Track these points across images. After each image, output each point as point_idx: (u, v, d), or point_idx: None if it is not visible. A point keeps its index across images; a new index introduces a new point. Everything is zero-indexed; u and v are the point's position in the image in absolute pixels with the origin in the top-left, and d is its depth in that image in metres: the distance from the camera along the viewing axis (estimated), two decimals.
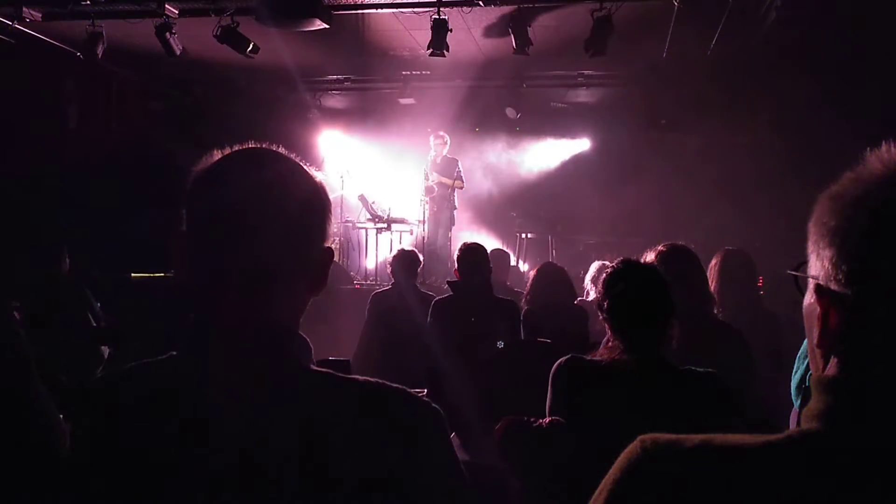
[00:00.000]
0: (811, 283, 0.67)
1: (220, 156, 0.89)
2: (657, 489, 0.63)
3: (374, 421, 0.81)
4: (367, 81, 8.08)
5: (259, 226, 0.84)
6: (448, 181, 7.08)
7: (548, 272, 3.52)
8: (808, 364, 1.80)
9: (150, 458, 0.79)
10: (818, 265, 0.65)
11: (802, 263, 0.69)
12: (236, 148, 0.90)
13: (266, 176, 0.87)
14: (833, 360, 0.65)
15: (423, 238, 7.21)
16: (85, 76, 7.08)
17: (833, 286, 0.63)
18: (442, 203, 7.17)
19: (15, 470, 1.31)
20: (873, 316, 0.60)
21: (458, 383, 2.81)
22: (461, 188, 7.22)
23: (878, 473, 0.58)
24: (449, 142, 7.23)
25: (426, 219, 7.24)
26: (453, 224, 7.33)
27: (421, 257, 4.50)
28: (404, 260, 4.21)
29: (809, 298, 0.68)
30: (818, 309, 0.65)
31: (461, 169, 7.21)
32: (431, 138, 7.23)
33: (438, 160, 7.17)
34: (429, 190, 7.13)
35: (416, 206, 7.37)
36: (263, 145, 0.92)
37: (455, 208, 7.29)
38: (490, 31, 6.21)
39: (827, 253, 0.63)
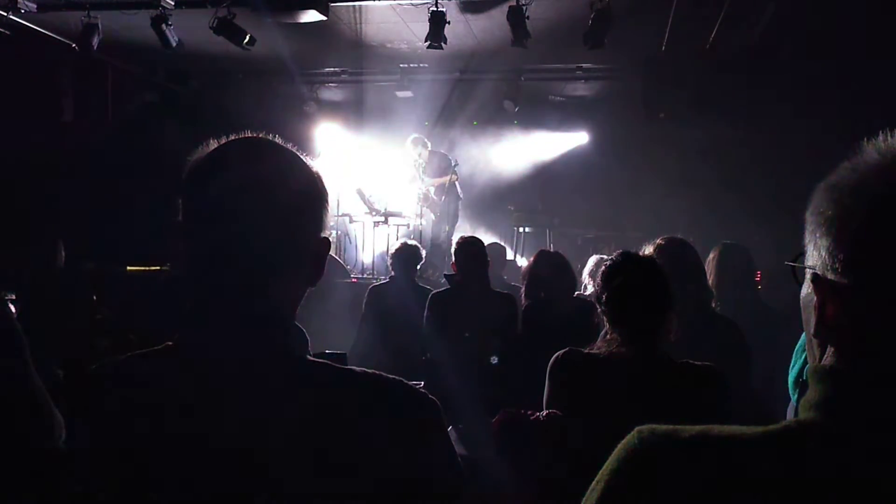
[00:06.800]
0: (808, 274, 0.67)
1: (216, 145, 0.89)
2: (654, 479, 0.63)
3: (373, 412, 0.81)
4: (364, 74, 8.04)
5: (256, 215, 0.83)
6: (444, 179, 7.05)
7: (546, 260, 3.41)
8: (805, 358, 1.81)
9: (148, 452, 0.79)
10: (815, 255, 0.65)
11: (800, 254, 0.69)
12: (233, 137, 0.90)
13: (263, 165, 0.87)
14: (830, 350, 0.65)
15: (421, 232, 7.20)
16: (81, 68, 7.04)
17: (830, 275, 0.63)
18: (446, 197, 7.11)
19: (10, 462, 1.31)
20: (870, 304, 0.60)
21: (455, 376, 2.81)
22: (457, 179, 7.18)
23: (876, 463, 0.58)
24: (427, 142, 7.18)
25: (423, 213, 7.22)
26: (457, 217, 7.28)
27: (423, 253, 4.49)
28: (404, 254, 4.21)
29: (807, 289, 0.68)
30: (815, 298, 0.65)
31: (453, 160, 7.15)
32: (409, 145, 7.08)
33: (425, 161, 7.12)
34: (425, 198, 7.11)
35: (412, 200, 7.35)
36: (260, 135, 0.91)
37: (460, 199, 7.24)
38: (488, 24, 6.18)
39: (824, 242, 0.63)
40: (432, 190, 7.15)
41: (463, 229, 7.10)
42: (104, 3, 5.81)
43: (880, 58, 5.28)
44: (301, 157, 0.91)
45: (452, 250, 3.78)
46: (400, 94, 7.89)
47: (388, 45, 6.99)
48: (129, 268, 6.08)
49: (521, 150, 8.67)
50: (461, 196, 7.25)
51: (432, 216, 7.26)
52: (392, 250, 4.37)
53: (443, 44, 5.69)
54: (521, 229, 7.91)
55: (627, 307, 1.80)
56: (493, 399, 2.45)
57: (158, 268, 6.01)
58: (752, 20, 5.71)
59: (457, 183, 7.15)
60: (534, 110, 8.28)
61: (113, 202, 6.31)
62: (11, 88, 6.16)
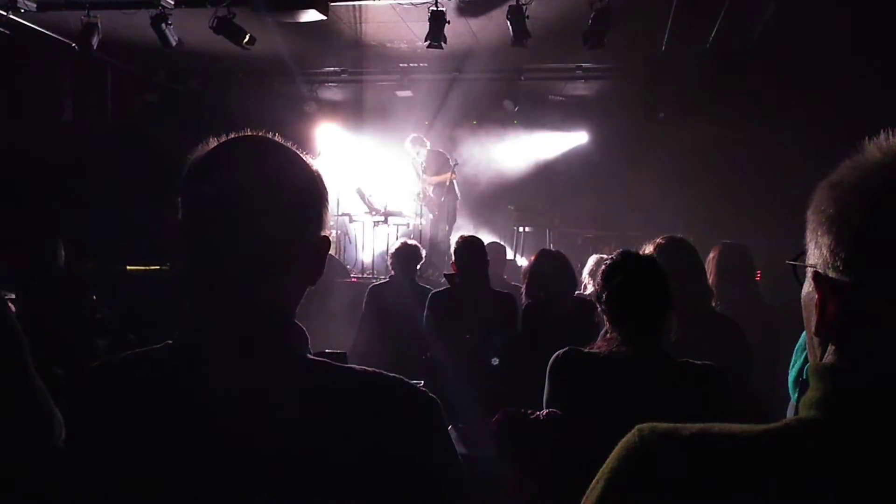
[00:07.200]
0: (809, 272, 0.67)
1: (216, 143, 0.89)
2: (655, 477, 0.63)
3: (373, 410, 0.81)
4: (363, 73, 8.04)
5: (256, 213, 0.83)
6: (444, 177, 7.05)
7: (547, 259, 3.41)
8: (805, 357, 1.81)
9: (148, 450, 0.78)
10: (817, 253, 0.65)
11: (801, 253, 0.69)
12: (233, 135, 0.90)
13: (263, 163, 0.86)
14: (831, 348, 0.65)
15: (421, 231, 7.20)
16: (80, 68, 7.04)
17: (831, 274, 0.63)
18: (445, 197, 7.13)
19: (10, 461, 1.31)
20: (872, 302, 0.60)
21: (455, 375, 2.81)
22: (455, 178, 7.19)
23: (877, 461, 0.58)
24: (427, 141, 7.20)
25: (423, 213, 7.23)
26: (455, 217, 7.29)
27: (423, 252, 4.49)
28: (404, 253, 4.21)
29: (808, 287, 0.68)
30: (816, 297, 0.65)
31: (453, 159, 7.17)
32: (409, 144, 7.13)
33: (424, 160, 7.13)
34: (424, 197, 7.13)
35: (412, 200, 7.36)
36: (260, 134, 0.91)
37: (458, 198, 7.25)
38: (488, 24, 6.18)
39: (825, 241, 0.63)
40: (431, 189, 7.16)
41: (466, 229, 7.11)
42: (104, 2, 5.81)
43: (880, 58, 5.28)
44: (301, 155, 0.91)
45: (452, 250, 3.78)
46: (400, 93, 7.89)
47: (388, 45, 6.98)
48: (129, 268, 6.08)
49: (521, 150, 8.67)
50: (459, 196, 7.25)
51: (430, 216, 7.27)
52: (392, 250, 4.37)
53: (443, 43, 5.69)
54: (520, 229, 7.91)
55: (627, 306, 1.80)
56: (493, 398, 2.45)
57: (158, 267, 6.01)
58: (752, 20, 5.71)
59: (455, 182, 7.15)
60: (534, 110, 8.28)
61: (113, 202, 6.30)
62: (11, 88, 6.16)
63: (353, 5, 5.78)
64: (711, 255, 3.02)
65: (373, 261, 7.41)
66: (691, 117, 6.78)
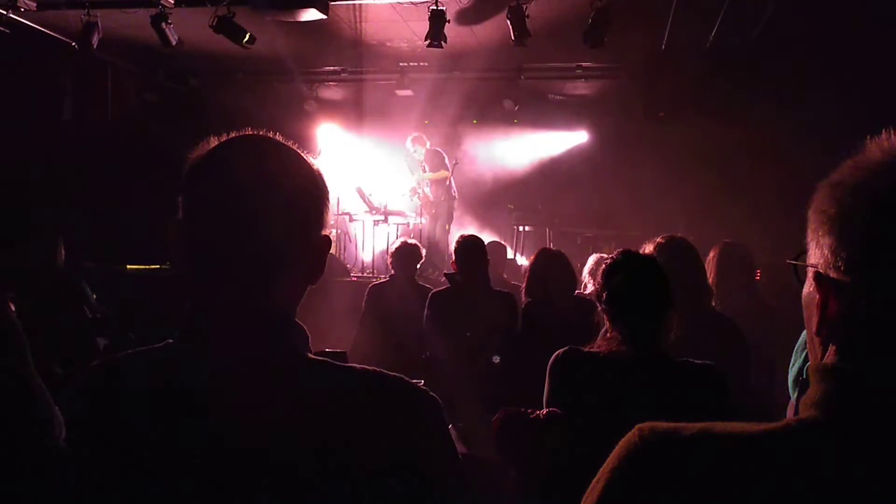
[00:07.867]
0: (810, 272, 0.67)
1: (216, 142, 0.88)
2: (655, 477, 0.63)
3: (374, 409, 0.81)
4: (363, 73, 8.04)
5: (258, 212, 0.83)
6: (441, 176, 7.05)
7: (547, 258, 3.41)
8: (805, 356, 1.81)
9: (148, 450, 0.78)
10: (817, 253, 0.65)
11: (802, 253, 0.69)
12: (233, 135, 0.89)
13: (264, 162, 0.86)
14: (832, 348, 0.65)
15: (420, 230, 7.21)
16: (80, 67, 7.04)
17: (832, 273, 0.63)
18: (443, 196, 7.14)
19: (10, 460, 1.31)
20: (872, 302, 0.60)
21: (456, 374, 2.81)
22: (453, 177, 7.20)
23: (877, 460, 0.58)
24: (427, 140, 7.22)
25: (422, 212, 7.24)
26: (452, 216, 7.31)
27: (423, 251, 4.49)
28: (404, 252, 4.21)
29: (809, 287, 0.68)
30: (817, 297, 0.65)
31: (452, 158, 7.17)
32: (409, 143, 7.17)
33: (424, 159, 7.14)
34: (423, 196, 7.14)
35: (402, 195, 7.38)
36: (261, 133, 0.91)
37: (455, 198, 7.26)
38: (488, 23, 6.18)
39: (826, 241, 0.63)
40: (428, 187, 7.17)
41: (471, 229, 7.11)
42: (104, 1, 5.82)
43: (880, 57, 5.27)
44: (302, 154, 0.91)
45: (452, 249, 3.78)
46: (400, 92, 7.89)
47: (388, 44, 6.98)
48: (128, 266, 6.08)
49: (521, 149, 8.68)
50: (456, 195, 7.27)
51: (427, 215, 7.29)
52: (391, 249, 4.37)
53: (443, 42, 5.69)
54: (521, 228, 7.91)
55: (627, 306, 1.79)
56: (493, 397, 2.45)
57: (158, 267, 6.01)
58: (751, 20, 5.71)
59: (452, 181, 7.16)
60: (534, 109, 8.28)
61: (113, 201, 6.30)
62: (11, 87, 6.16)
63: (353, 4, 5.78)
64: (711, 254, 3.02)
65: (373, 260, 7.41)
66: (691, 116, 6.78)
